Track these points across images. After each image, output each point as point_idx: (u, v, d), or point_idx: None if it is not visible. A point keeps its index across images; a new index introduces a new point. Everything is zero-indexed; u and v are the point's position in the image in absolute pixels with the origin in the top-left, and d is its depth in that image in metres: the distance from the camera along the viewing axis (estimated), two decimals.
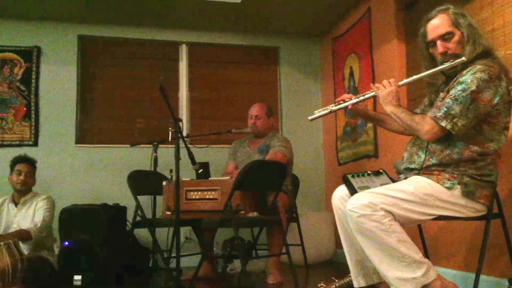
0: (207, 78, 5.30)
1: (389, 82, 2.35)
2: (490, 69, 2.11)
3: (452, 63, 2.21)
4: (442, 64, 2.26)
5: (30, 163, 3.79)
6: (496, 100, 2.10)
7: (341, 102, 2.53)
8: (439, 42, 2.25)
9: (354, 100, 2.49)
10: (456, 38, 2.22)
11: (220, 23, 5.05)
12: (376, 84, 2.40)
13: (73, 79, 4.85)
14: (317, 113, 2.56)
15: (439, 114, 2.13)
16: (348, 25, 4.76)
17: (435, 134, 2.15)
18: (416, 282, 2.02)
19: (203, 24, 5.06)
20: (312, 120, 2.61)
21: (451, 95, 2.14)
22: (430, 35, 2.29)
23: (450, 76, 2.29)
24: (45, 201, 3.68)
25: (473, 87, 2.08)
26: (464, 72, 2.17)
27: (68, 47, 4.88)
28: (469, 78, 2.11)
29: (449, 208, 2.15)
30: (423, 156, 2.26)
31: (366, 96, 2.46)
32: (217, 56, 5.35)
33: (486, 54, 2.21)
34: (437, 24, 2.25)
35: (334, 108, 2.52)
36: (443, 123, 2.11)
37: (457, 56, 2.22)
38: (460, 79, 2.15)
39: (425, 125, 2.16)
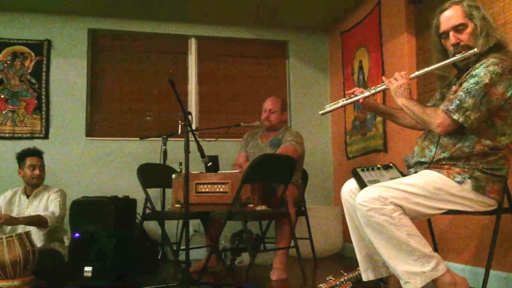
0: (216, 71, 5.31)
1: (401, 75, 2.34)
2: (504, 62, 2.09)
3: (464, 54, 2.20)
4: (454, 56, 2.25)
5: (41, 155, 3.80)
6: (509, 93, 2.09)
7: (352, 96, 2.51)
8: (451, 33, 2.24)
9: (366, 94, 2.47)
10: (469, 30, 2.21)
11: (229, 17, 5.05)
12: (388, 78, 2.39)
13: (83, 72, 4.88)
14: (328, 108, 2.54)
15: (451, 107, 2.12)
16: (358, 19, 4.74)
17: (448, 127, 2.14)
18: (425, 276, 2.01)
19: (212, 18, 5.06)
20: (323, 114, 2.58)
21: (463, 88, 2.13)
22: (443, 27, 2.28)
23: (462, 69, 2.28)
24: (58, 193, 3.71)
25: (486, 80, 2.06)
26: (477, 65, 2.15)
27: (78, 40, 4.90)
28: (482, 71, 2.09)
29: (459, 202, 2.14)
30: (434, 150, 2.25)
31: (378, 89, 2.44)
32: (226, 49, 5.35)
33: (499, 47, 2.20)
34: (450, 16, 2.24)
35: (345, 102, 2.50)
36: (456, 116, 2.10)
37: (469, 48, 2.20)
38: (473, 72, 2.13)
39: (437, 118, 2.15)
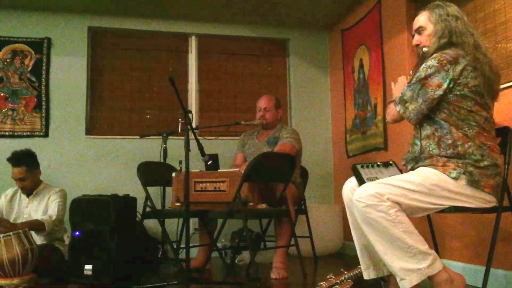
0: (217, 70, 5.30)
1: (401, 80, 2.50)
2: (443, 55, 2.22)
3: (420, 55, 2.38)
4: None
5: (22, 163, 3.61)
6: (446, 83, 2.19)
7: None
8: (414, 36, 2.43)
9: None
10: (427, 32, 2.38)
11: (230, 15, 5.04)
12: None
13: (83, 70, 4.88)
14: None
15: (397, 100, 2.36)
16: (358, 17, 4.73)
17: (393, 116, 2.39)
18: (421, 273, 2.02)
19: (212, 15, 5.05)
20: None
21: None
22: (412, 31, 2.47)
23: None
24: (58, 193, 3.69)
25: (422, 74, 2.24)
26: None
27: (78, 38, 4.90)
28: (422, 67, 2.28)
29: (457, 198, 2.16)
30: (419, 143, 2.33)
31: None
32: (226, 47, 5.35)
33: (454, 45, 2.28)
34: (417, 20, 2.43)
35: None
36: (398, 108, 2.34)
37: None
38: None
39: (388, 109, 2.43)
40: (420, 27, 2.39)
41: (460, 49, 2.24)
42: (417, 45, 2.40)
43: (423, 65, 2.26)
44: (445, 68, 2.19)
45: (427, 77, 2.22)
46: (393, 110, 2.37)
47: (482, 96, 2.23)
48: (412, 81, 2.28)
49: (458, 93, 2.19)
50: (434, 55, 2.25)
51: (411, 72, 2.43)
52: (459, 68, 2.18)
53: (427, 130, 2.30)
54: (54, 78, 4.80)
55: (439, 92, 2.20)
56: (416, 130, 2.39)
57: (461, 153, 2.17)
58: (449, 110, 2.22)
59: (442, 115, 2.24)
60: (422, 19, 2.39)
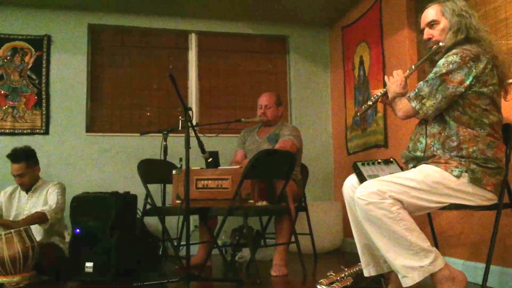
0: (217, 67, 5.30)
1: (397, 73, 2.42)
2: (464, 51, 2.17)
3: (433, 48, 2.31)
4: (429, 51, 2.35)
5: (21, 159, 3.61)
6: (468, 81, 2.15)
7: (374, 95, 2.52)
8: (425, 30, 2.37)
9: (380, 94, 2.49)
10: (440, 26, 2.32)
11: (230, 12, 5.03)
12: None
13: (83, 67, 4.87)
14: (364, 108, 2.56)
15: (412, 95, 2.27)
16: (358, 14, 4.72)
17: (407, 112, 2.29)
18: (423, 270, 2.02)
19: (212, 13, 5.05)
20: (361, 114, 2.68)
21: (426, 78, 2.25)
22: (421, 25, 2.41)
23: None
24: (56, 185, 3.69)
25: (443, 70, 2.17)
26: (443, 57, 2.24)
27: (78, 35, 4.89)
28: (442, 62, 2.20)
29: (458, 196, 2.15)
30: (424, 141, 2.30)
31: (385, 90, 2.47)
32: (226, 45, 5.34)
33: (470, 41, 2.25)
34: (427, 14, 2.37)
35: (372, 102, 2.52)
36: (413, 103, 2.24)
37: (439, 42, 2.31)
38: (437, 64, 2.24)
39: (400, 104, 2.32)
40: (432, 20, 2.32)
41: (477, 46, 2.21)
42: (429, 39, 2.34)
43: (443, 60, 2.19)
44: (467, 65, 2.14)
45: (449, 73, 2.15)
46: (406, 105, 2.27)
47: (498, 95, 2.22)
48: (431, 76, 2.20)
49: (476, 89, 2.17)
50: (455, 51, 2.19)
51: (413, 66, 2.40)
52: (481, 65, 2.15)
53: (434, 129, 2.26)
54: (54, 75, 4.80)
55: (461, 89, 2.16)
56: (421, 127, 2.34)
57: (465, 156, 2.16)
58: (463, 108, 2.19)
59: (455, 113, 2.20)
60: (434, 12, 2.32)
